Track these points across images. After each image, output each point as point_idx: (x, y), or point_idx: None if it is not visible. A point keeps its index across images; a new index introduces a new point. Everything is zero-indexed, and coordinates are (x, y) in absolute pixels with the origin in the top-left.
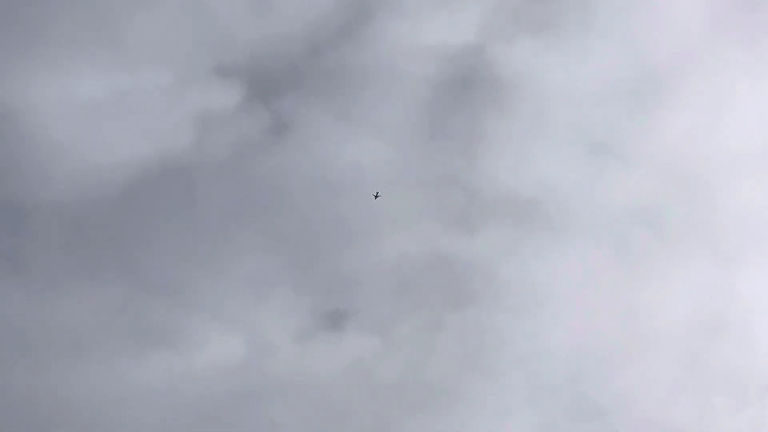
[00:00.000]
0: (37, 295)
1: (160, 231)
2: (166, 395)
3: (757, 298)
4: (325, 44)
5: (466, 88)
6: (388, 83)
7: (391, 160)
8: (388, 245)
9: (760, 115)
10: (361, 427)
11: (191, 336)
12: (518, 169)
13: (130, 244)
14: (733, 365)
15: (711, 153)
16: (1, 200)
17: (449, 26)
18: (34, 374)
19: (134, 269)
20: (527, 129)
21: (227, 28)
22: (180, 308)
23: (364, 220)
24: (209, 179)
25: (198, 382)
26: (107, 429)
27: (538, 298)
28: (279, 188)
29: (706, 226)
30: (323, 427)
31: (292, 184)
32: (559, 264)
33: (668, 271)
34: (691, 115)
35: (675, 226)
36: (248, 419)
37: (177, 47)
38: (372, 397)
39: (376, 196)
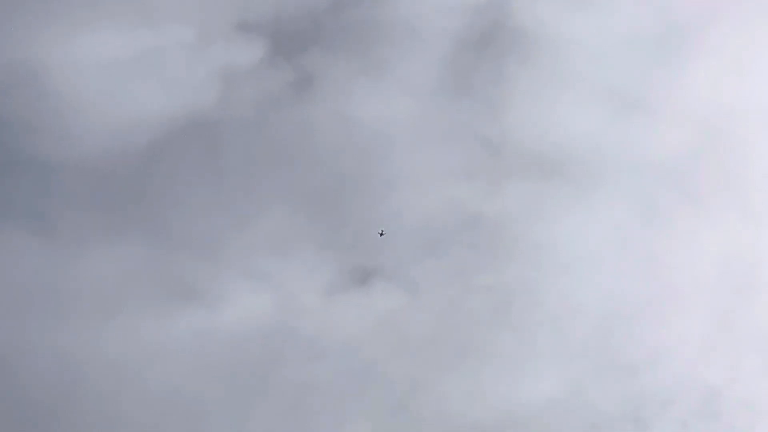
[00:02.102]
0: (63, 253)
1: (186, 187)
2: (194, 351)
3: None
4: None
5: (490, 42)
6: (412, 38)
7: (415, 115)
8: (413, 201)
9: None
10: (390, 385)
11: (218, 292)
12: (544, 125)
13: (156, 200)
14: (763, 325)
15: (740, 105)
16: (26, 158)
17: None
18: (60, 332)
19: (160, 226)
20: (553, 83)
21: None
22: (206, 264)
23: (389, 176)
24: (234, 135)
25: (225, 338)
26: (134, 385)
27: (566, 256)
28: (303, 144)
29: (736, 182)
30: (352, 383)
31: (316, 139)
32: (587, 221)
33: (697, 227)
34: (719, 66)
35: (704, 181)
36: (275, 373)
37: (199, 3)
38: (401, 355)
39: (381, 234)
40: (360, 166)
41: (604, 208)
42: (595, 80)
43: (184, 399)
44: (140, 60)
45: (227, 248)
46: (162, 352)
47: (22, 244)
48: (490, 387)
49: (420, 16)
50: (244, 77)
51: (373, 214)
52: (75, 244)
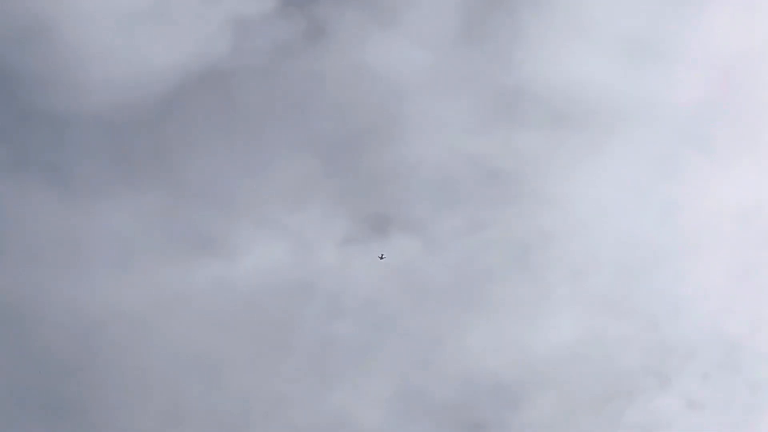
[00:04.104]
0: (78, 204)
1: (200, 138)
2: (210, 303)
3: None
4: None
5: None
6: None
7: (429, 65)
8: (428, 152)
9: None
10: (409, 339)
11: (233, 243)
12: (561, 75)
13: (170, 151)
14: None
15: (759, 54)
16: (41, 111)
17: None
18: (75, 284)
19: (174, 177)
20: (568, 32)
21: None
22: (221, 215)
23: (404, 126)
24: (247, 86)
25: (242, 290)
26: (150, 337)
27: (584, 208)
28: (317, 94)
29: (755, 131)
30: (370, 336)
31: (330, 89)
32: (605, 171)
33: (717, 177)
34: (737, 13)
35: (722, 130)
36: (293, 325)
37: None
38: (419, 308)
39: (381, 258)
40: (374, 116)
41: (623, 159)
42: (612, 29)
43: (201, 351)
44: (152, 10)
45: (242, 198)
46: (178, 303)
47: (36, 197)
48: (509, 339)
49: None
50: (256, 27)
51: (388, 165)
52: (90, 196)
